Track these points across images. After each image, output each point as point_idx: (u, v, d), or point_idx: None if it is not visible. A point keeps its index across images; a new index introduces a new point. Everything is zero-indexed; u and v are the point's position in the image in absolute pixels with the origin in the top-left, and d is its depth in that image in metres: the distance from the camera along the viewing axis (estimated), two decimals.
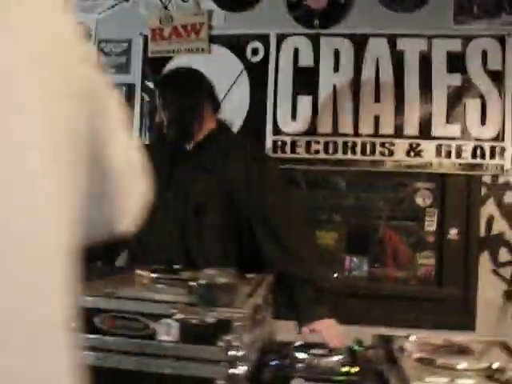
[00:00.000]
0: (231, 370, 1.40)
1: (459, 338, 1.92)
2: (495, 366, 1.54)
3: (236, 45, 3.16)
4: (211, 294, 1.43)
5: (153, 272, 1.76)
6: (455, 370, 1.58)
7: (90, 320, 1.45)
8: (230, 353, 1.39)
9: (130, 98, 3.25)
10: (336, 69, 3.08)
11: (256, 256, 2.19)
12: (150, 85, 3.19)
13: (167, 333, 1.42)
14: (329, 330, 1.97)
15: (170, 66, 3.17)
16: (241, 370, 1.41)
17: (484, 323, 2.94)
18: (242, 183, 2.20)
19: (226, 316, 1.40)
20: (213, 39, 3.19)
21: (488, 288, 2.97)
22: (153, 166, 2.33)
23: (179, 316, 1.41)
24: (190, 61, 3.13)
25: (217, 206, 2.19)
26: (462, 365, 1.60)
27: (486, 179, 3.00)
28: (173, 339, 1.42)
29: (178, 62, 3.17)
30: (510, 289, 2.99)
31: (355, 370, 1.68)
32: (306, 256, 2.12)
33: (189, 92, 2.22)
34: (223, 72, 3.11)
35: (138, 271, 1.74)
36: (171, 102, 2.21)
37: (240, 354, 1.40)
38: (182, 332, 1.42)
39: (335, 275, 3.10)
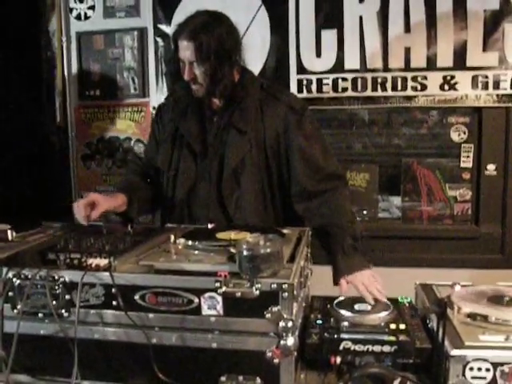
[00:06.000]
0: (282, 342, 1.35)
1: (505, 284, 1.86)
2: None
3: None
4: (255, 265, 1.34)
5: (185, 236, 1.70)
6: (509, 325, 1.53)
7: (130, 297, 1.40)
8: (280, 324, 1.34)
9: (142, 42, 3.09)
10: None
11: (293, 211, 2.14)
12: (164, 28, 3.02)
13: (212, 307, 1.37)
14: (367, 282, 1.89)
15: (182, 6, 3.00)
16: (290, 340, 1.35)
17: None
18: (278, 138, 2.11)
19: (272, 288, 1.33)
20: None
21: None
22: (184, 127, 2.21)
23: (223, 289, 1.35)
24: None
25: (254, 164, 2.11)
26: None
27: None
28: (218, 313, 1.37)
29: (189, 1, 2.99)
30: None
31: (403, 326, 1.63)
32: (347, 209, 2.07)
33: (222, 45, 2.00)
34: (239, 9, 2.93)
35: (172, 237, 1.66)
36: (203, 58, 1.99)
37: (289, 324, 1.34)
38: (227, 305, 1.36)
39: (363, 214, 3.03)
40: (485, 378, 1.42)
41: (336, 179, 2.11)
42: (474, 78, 2.81)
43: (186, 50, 1.99)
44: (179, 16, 2.94)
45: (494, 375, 1.41)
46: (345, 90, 2.90)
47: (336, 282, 1.99)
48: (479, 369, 1.42)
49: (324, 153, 2.12)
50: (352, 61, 2.89)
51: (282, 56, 2.94)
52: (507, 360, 1.41)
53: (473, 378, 1.42)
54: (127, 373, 1.44)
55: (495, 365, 1.41)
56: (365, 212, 3.04)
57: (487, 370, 1.41)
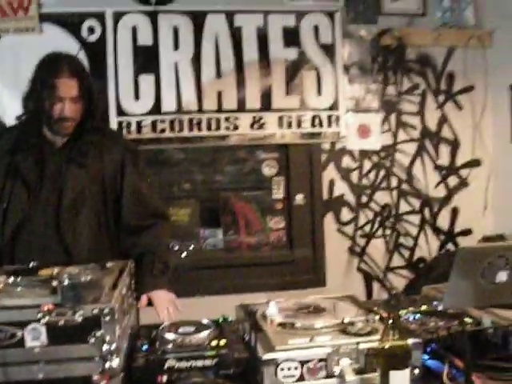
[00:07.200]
0: (107, 364, 1.41)
1: (313, 297, 2.10)
2: (346, 320, 1.73)
3: (70, 23, 2.99)
4: (76, 293, 1.41)
5: (7, 274, 1.69)
6: (313, 329, 1.74)
7: None
8: (103, 348, 1.40)
9: None
10: (176, 46, 3.08)
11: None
12: None
13: (36, 338, 1.39)
14: (163, 300, 2.11)
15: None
16: (115, 362, 1.42)
17: (333, 278, 3.23)
18: (116, 174, 2.21)
19: (94, 313, 1.40)
20: (43, 17, 2.99)
21: (334, 246, 3.25)
22: (19, 159, 2.18)
23: (46, 319, 1.39)
24: (19, 42, 2.96)
25: (92, 197, 2.17)
26: (319, 324, 1.76)
27: (325, 146, 3.25)
28: (42, 344, 1.40)
29: (6, 43, 2.97)
30: (352, 244, 3.30)
31: (223, 342, 1.77)
32: (163, 241, 2.27)
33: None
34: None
35: None
36: (85, 94, 2.09)
37: (113, 347, 1.41)
38: (51, 335, 1.40)
39: (190, 248, 3.19)
40: (294, 375, 1.60)
41: (159, 216, 2.28)
42: (280, 119, 3.16)
43: (69, 88, 2.05)
44: None
45: (302, 372, 1.60)
46: (163, 131, 3.07)
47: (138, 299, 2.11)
48: (289, 368, 1.59)
49: (150, 191, 2.29)
50: (169, 104, 3.08)
51: (102, 98, 3.01)
52: (310, 357, 1.60)
53: (284, 377, 1.59)
54: None
55: (302, 363, 1.60)
56: (189, 246, 3.19)
57: (295, 368, 1.60)
